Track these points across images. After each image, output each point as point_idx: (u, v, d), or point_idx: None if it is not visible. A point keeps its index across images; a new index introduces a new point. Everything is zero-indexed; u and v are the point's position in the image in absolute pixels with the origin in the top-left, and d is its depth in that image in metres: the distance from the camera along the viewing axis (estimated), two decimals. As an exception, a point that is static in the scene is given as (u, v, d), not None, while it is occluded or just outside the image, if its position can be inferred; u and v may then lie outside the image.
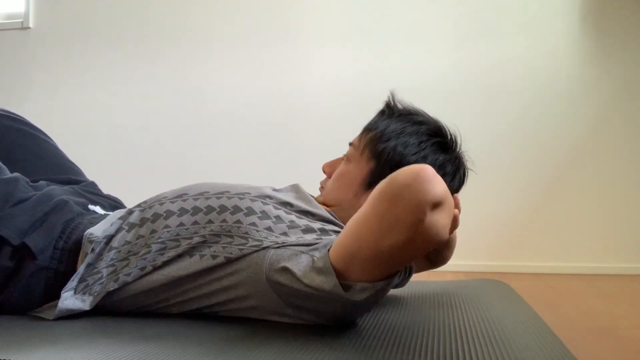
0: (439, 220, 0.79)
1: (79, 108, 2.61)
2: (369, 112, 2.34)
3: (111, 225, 1.06)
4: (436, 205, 0.78)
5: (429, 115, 1.20)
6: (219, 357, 0.79)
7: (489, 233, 2.21)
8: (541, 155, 2.24)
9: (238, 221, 0.99)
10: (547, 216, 2.23)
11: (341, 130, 2.47)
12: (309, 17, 2.46)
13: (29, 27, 2.69)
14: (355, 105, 2.38)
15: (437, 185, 0.79)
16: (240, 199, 1.03)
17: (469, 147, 2.49)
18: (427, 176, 0.78)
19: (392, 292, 1.38)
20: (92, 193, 1.31)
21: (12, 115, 1.40)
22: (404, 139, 1.11)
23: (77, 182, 1.34)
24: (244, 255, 0.96)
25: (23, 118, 1.42)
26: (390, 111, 1.19)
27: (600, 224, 2.19)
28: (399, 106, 1.20)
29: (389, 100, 1.22)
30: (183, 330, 0.96)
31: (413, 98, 2.32)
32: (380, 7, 2.39)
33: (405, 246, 0.80)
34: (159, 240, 1.02)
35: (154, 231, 1.03)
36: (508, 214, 2.22)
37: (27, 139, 1.37)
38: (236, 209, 1.01)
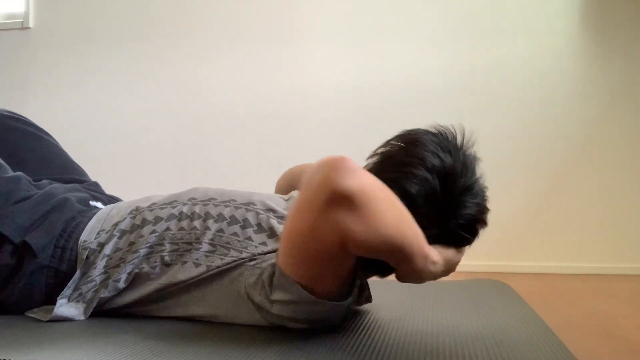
0: (346, 218, 0.76)
1: (79, 108, 2.61)
2: (369, 111, 2.35)
3: (106, 232, 1.07)
4: (343, 199, 0.75)
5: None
6: (219, 356, 0.79)
7: (489, 233, 2.20)
8: (541, 155, 2.24)
9: (221, 230, 1.02)
10: (547, 216, 2.23)
11: (341, 130, 2.48)
12: (309, 18, 2.46)
13: (29, 27, 2.68)
14: (355, 105, 2.38)
15: (348, 177, 0.75)
16: (226, 206, 1.05)
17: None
18: (341, 165, 0.76)
19: (392, 292, 1.38)
20: (95, 191, 1.32)
21: (16, 116, 1.41)
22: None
23: (80, 183, 1.35)
24: (226, 267, 0.98)
25: (27, 119, 1.43)
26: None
27: (600, 224, 2.19)
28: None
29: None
30: (183, 329, 0.96)
31: (413, 97, 2.33)
32: (380, 7, 2.38)
33: (309, 233, 0.80)
34: (147, 244, 1.04)
35: (141, 236, 1.05)
36: (508, 214, 2.22)
37: (32, 140, 1.38)
38: (220, 217, 1.03)
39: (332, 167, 0.77)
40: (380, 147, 0.96)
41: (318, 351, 0.82)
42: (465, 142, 0.94)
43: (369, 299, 1.17)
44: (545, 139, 2.24)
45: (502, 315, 1.13)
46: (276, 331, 0.93)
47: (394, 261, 0.85)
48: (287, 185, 1.32)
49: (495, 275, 1.76)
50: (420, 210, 0.87)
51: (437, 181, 0.88)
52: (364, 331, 0.96)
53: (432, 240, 0.87)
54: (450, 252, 0.91)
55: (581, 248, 2.19)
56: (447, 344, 0.88)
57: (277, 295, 0.90)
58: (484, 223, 0.96)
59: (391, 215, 0.78)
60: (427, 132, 0.94)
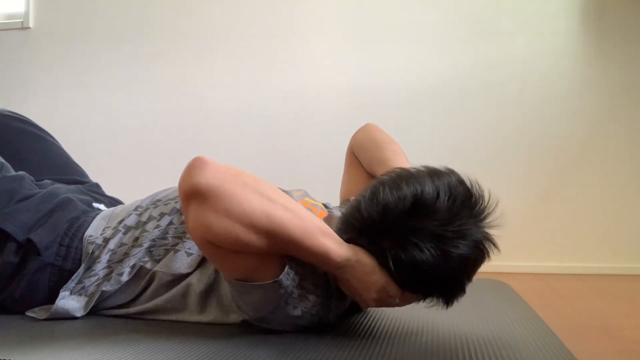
0: (199, 212, 0.76)
1: (78, 108, 2.61)
2: (369, 111, 2.35)
3: (112, 229, 1.08)
4: (193, 195, 0.77)
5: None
6: (219, 355, 0.79)
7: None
8: (541, 154, 2.24)
9: None
10: (546, 216, 2.22)
11: (341, 129, 2.47)
12: (310, 18, 2.46)
13: (29, 27, 2.68)
14: (355, 105, 2.38)
15: (197, 174, 0.76)
16: None
17: (468, 148, 2.48)
18: (193, 164, 0.78)
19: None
20: (96, 193, 1.33)
21: (17, 116, 1.42)
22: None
23: (81, 183, 1.36)
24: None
25: (29, 119, 1.43)
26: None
27: (600, 224, 2.19)
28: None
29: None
30: (182, 329, 0.96)
31: (413, 97, 2.33)
32: (380, 7, 2.38)
33: (190, 235, 0.82)
34: (150, 238, 1.05)
35: (146, 231, 1.06)
36: (508, 213, 2.22)
37: (33, 140, 1.38)
38: None
39: (185, 168, 0.79)
40: (415, 166, 0.93)
41: (318, 349, 0.82)
42: (486, 215, 0.85)
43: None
44: (545, 139, 2.24)
45: (502, 315, 1.13)
46: (273, 330, 0.93)
47: (292, 254, 0.84)
48: (367, 164, 1.24)
49: (495, 275, 1.76)
50: (372, 216, 0.84)
51: (408, 204, 0.82)
52: (363, 330, 0.96)
53: (373, 255, 0.85)
54: (377, 273, 0.85)
55: (581, 248, 2.19)
56: (447, 343, 0.88)
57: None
58: (438, 289, 0.87)
59: (255, 205, 0.77)
60: (456, 175, 0.87)
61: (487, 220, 0.86)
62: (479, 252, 0.85)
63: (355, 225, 0.86)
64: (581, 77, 2.24)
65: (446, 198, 0.83)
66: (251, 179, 0.81)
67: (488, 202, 0.86)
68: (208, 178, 0.76)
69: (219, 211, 0.76)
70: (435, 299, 0.90)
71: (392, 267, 0.83)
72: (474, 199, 0.86)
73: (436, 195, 0.82)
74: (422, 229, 0.82)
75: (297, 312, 0.90)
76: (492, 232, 0.86)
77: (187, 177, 0.78)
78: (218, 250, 0.81)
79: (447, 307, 0.90)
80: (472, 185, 0.87)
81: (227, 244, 0.78)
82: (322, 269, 0.89)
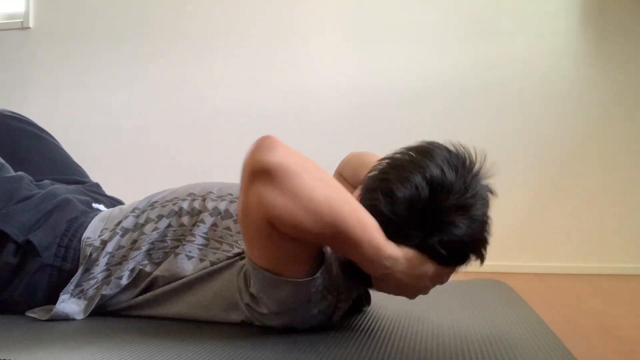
0: (265, 191, 0.75)
1: (78, 108, 2.61)
2: (369, 111, 2.35)
3: (110, 231, 1.08)
4: (262, 173, 0.76)
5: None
6: (219, 355, 0.79)
7: (489, 233, 2.21)
8: (541, 154, 2.24)
9: (214, 224, 1.03)
10: (547, 216, 2.23)
11: (341, 129, 2.48)
12: (310, 18, 2.46)
13: (29, 27, 2.68)
14: (355, 105, 2.38)
15: (268, 152, 0.76)
16: (222, 200, 1.06)
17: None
18: (263, 142, 0.78)
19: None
20: (96, 193, 1.33)
21: (18, 116, 1.42)
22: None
23: (81, 183, 1.35)
24: (217, 267, 0.99)
25: (29, 119, 1.43)
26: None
27: (600, 224, 2.19)
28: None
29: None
30: (182, 329, 0.96)
31: (413, 97, 2.33)
32: (380, 7, 2.38)
33: (243, 212, 0.81)
34: (149, 241, 1.05)
35: (144, 234, 1.06)
36: (508, 214, 2.22)
37: (33, 140, 1.38)
38: (215, 211, 1.04)
39: (255, 145, 0.79)
40: (394, 152, 0.93)
41: (318, 349, 0.82)
42: (481, 169, 0.89)
43: (367, 302, 1.16)
44: (545, 139, 2.24)
45: (502, 315, 1.13)
46: (274, 330, 0.93)
47: (339, 248, 0.84)
48: (352, 174, 1.25)
49: (495, 275, 1.76)
50: (400, 215, 0.84)
51: (427, 191, 0.83)
52: (364, 331, 0.97)
53: (414, 248, 0.84)
54: (425, 263, 0.85)
55: (581, 248, 2.19)
56: (447, 343, 0.88)
57: (253, 287, 0.90)
58: (477, 252, 0.90)
59: (320, 192, 0.76)
60: (442, 146, 0.90)
61: (483, 173, 0.90)
62: (488, 203, 0.91)
63: (386, 228, 0.84)
64: (581, 77, 2.24)
65: (450, 170, 0.85)
66: (315, 166, 0.81)
67: (476, 156, 0.90)
68: (280, 157, 0.76)
69: (287, 193, 0.75)
70: (472, 261, 0.91)
71: (442, 252, 0.84)
72: (467, 160, 0.89)
73: (442, 172, 0.85)
74: (448, 207, 0.84)
75: (315, 311, 0.90)
76: (489, 181, 0.91)
77: (256, 154, 0.77)
78: (273, 232, 0.79)
79: (482, 263, 0.91)
80: (456, 148, 0.89)
81: (285, 226, 0.77)
82: (362, 267, 0.86)
